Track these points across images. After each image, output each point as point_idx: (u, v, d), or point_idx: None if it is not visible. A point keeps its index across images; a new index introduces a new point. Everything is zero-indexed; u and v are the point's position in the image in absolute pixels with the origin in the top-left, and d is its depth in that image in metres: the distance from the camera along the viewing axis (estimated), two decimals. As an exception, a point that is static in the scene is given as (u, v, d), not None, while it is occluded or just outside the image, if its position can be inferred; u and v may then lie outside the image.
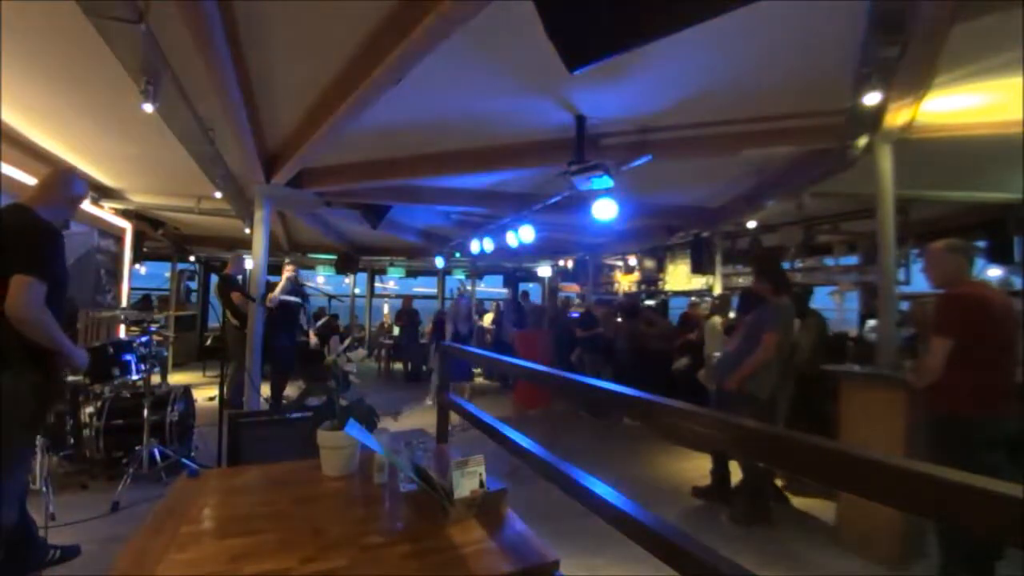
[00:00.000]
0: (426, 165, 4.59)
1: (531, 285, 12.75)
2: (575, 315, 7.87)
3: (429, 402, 6.93)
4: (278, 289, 5.26)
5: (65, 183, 2.24)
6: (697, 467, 4.39)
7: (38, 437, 2.87)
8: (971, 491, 0.53)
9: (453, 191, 5.68)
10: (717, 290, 7.19)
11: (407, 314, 10.02)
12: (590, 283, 9.77)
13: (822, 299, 6.58)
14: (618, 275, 10.50)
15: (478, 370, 9.54)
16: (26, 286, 1.80)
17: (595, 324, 7.11)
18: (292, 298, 5.48)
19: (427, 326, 9.62)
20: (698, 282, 8.07)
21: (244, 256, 5.45)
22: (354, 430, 1.48)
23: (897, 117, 3.02)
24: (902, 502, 0.63)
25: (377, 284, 13.92)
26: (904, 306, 4.36)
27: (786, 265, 6.52)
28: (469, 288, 12.32)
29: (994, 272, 5.76)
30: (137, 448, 3.56)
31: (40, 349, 1.88)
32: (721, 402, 3.59)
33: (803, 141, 3.67)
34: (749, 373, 3.28)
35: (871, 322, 4.84)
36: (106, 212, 6.04)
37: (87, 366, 2.24)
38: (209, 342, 10.62)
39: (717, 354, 5.10)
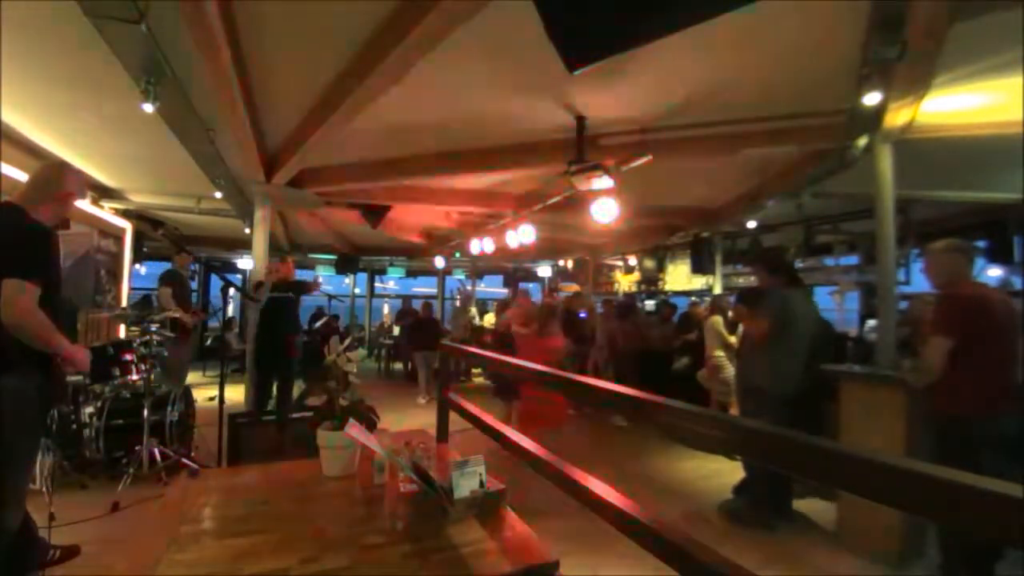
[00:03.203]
0: (426, 165, 4.60)
1: (531, 285, 12.75)
2: (584, 315, 7.80)
3: (422, 400, 7.17)
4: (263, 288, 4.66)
5: (57, 179, 2.12)
6: (697, 467, 4.39)
7: (40, 438, 2.86)
8: (971, 491, 0.53)
9: (453, 191, 5.69)
10: (717, 290, 7.19)
11: (408, 314, 10.03)
12: (590, 283, 9.77)
13: (822, 299, 6.57)
14: (618, 275, 10.50)
15: (478, 370, 9.55)
16: (18, 290, 1.77)
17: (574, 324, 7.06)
18: (277, 294, 4.69)
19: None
20: (698, 282, 8.07)
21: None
22: (354, 430, 1.48)
23: (897, 117, 3.02)
24: (902, 502, 0.63)
25: (377, 284, 13.92)
26: (903, 305, 4.36)
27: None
28: (468, 288, 12.32)
29: (994, 272, 5.76)
30: (137, 448, 3.56)
31: (40, 351, 1.88)
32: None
33: (803, 141, 3.68)
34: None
35: (871, 322, 4.84)
36: (106, 212, 6.04)
37: (89, 366, 2.20)
38: (209, 342, 10.63)
39: (719, 353, 5.10)
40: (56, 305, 1.98)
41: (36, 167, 2.18)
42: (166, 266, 10.54)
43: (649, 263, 9.17)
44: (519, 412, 3.57)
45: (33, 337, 1.82)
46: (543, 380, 1.60)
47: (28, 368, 1.85)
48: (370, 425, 1.67)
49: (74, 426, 3.62)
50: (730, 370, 4.92)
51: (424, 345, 7.79)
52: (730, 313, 5.05)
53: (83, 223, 5.39)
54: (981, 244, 5.53)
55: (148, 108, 2.82)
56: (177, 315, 4.70)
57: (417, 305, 9.92)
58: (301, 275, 5.45)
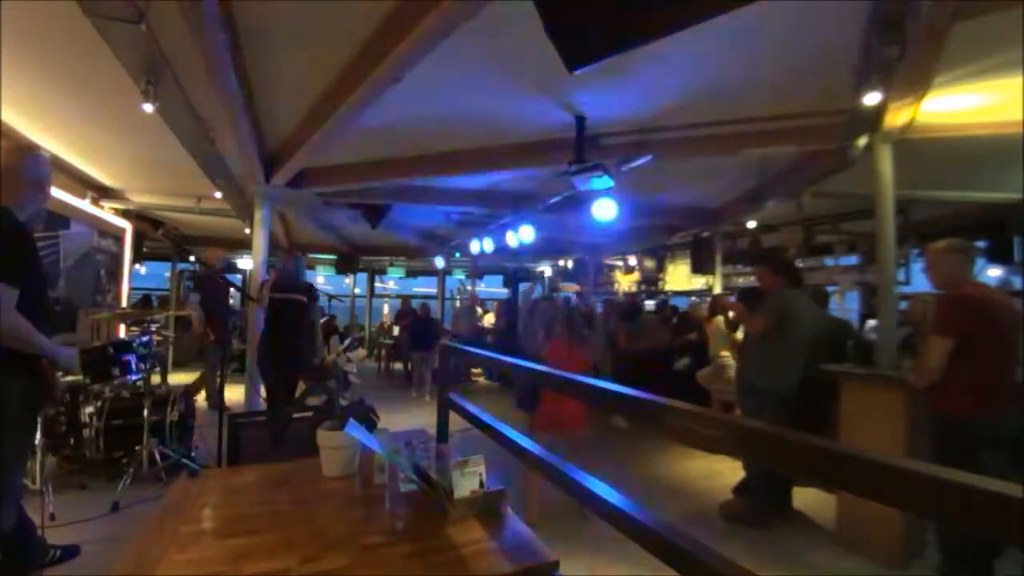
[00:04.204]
0: (426, 165, 4.60)
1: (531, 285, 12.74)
2: None
3: (415, 394, 7.74)
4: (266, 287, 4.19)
5: (24, 166, 1.94)
6: (697, 467, 4.39)
7: (37, 438, 2.86)
8: (971, 491, 0.53)
9: (453, 191, 5.69)
10: (717, 290, 7.19)
11: (408, 314, 10.04)
12: (590, 283, 9.77)
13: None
14: (618, 275, 10.50)
15: (478, 370, 9.57)
16: None
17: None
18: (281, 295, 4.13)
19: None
20: (698, 282, 8.08)
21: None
22: (354, 430, 1.48)
23: (897, 117, 3.02)
24: (902, 502, 0.63)
25: (377, 284, 13.92)
26: (903, 305, 4.37)
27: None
28: (469, 288, 12.32)
29: (994, 272, 5.76)
30: (137, 448, 3.56)
31: (27, 353, 1.84)
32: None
33: (803, 141, 3.67)
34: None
35: (871, 322, 4.84)
36: (106, 212, 6.04)
37: (76, 365, 2.15)
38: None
39: (725, 353, 5.10)
40: (40, 306, 1.93)
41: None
42: (166, 266, 10.54)
43: (649, 263, 9.18)
44: (538, 415, 3.42)
45: (11, 340, 1.77)
46: (543, 381, 1.60)
47: (13, 369, 1.82)
48: (370, 425, 1.67)
49: (64, 428, 3.61)
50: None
51: (422, 345, 7.92)
52: (730, 313, 5.05)
53: (83, 223, 5.39)
54: (981, 244, 5.52)
55: (148, 108, 2.82)
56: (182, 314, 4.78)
57: (417, 305, 9.96)
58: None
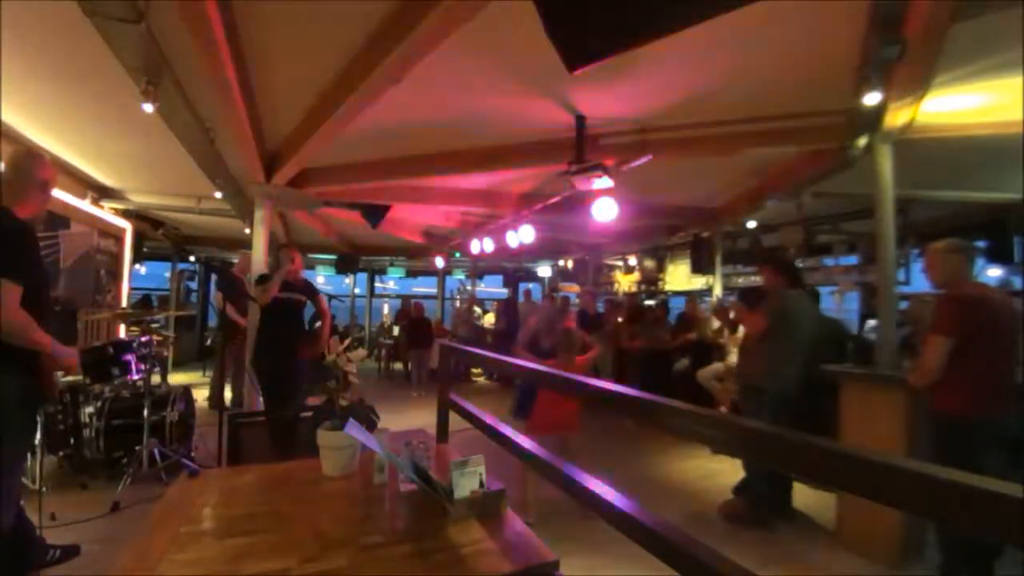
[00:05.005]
0: (426, 165, 4.59)
1: (531, 285, 12.73)
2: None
3: (415, 394, 7.76)
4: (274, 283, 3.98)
5: (30, 167, 1.99)
6: (697, 467, 4.39)
7: (37, 438, 2.86)
8: (971, 491, 0.53)
9: (453, 191, 5.69)
10: (717, 290, 7.18)
11: (406, 314, 10.04)
12: (590, 283, 9.76)
13: (823, 299, 6.56)
14: (618, 275, 10.49)
15: (478, 370, 9.58)
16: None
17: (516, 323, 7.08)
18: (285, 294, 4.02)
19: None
20: (698, 282, 8.07)
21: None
22: (354, 430, 1.48)
23: (897, 117, 3.02)
24: (902, 502, 0.63)
25: (377, 284, 13.92)
26: (904, 305, 4.37)
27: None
28: (470, 288, 12.32)
29: (994, 272, 5.76)
30: (137, 448, 3.56)
31: (26, 350, 1.85)
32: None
33: (803, 141, 3.67)
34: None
35: (871, 322, 4.83)
36: (106, 212, 6.04)
37: (77, 364, 2.15)
38: (209, 342, 10.65)
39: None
40: (43, 304, 1.94)
41: (4, 158, 2.03)
42: (166, 266, 10.57)
43: (649, 263, 9.17)
44: (532, 416, 3.40)
45: (17, 337, 1.79)
46: (543, 381, 1.60)
47: (14, 367, 1.82)
48: (370, 425, 1.67)
49: (64, 428, 3.61)
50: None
51: (417, 344, 8.04)
52: (731, 313, 5.05)
53: (83, 223, 5.38)
54: (981, 244, 5.52)
55: (148, 108, 2.82)
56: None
57: (410, 305, 9.97)
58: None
